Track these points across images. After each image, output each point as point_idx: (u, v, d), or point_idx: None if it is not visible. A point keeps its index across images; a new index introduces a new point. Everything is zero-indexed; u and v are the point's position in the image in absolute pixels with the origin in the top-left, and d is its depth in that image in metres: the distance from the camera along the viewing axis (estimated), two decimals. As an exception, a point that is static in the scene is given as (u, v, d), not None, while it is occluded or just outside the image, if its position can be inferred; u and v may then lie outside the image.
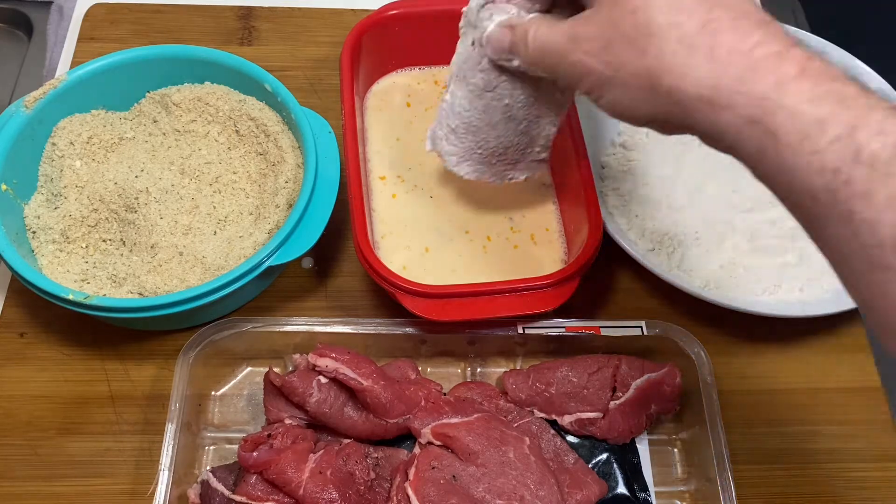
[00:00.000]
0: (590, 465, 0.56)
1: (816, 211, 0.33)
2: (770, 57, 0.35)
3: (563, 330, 0.58)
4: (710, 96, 0.36)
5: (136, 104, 0.66)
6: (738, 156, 0.37)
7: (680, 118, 0.38)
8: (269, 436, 0.51)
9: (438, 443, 0.53)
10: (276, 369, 0.56)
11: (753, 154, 0.35)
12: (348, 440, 0.54)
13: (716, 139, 0.37)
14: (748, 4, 0.37)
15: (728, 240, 0.64)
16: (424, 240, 0.62)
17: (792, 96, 0.33)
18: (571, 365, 0.58)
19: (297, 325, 0.57)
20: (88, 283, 0.57)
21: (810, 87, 0.33)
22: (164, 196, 0.62)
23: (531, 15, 0.47)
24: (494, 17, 0.49)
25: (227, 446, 0.57)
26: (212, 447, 0.57)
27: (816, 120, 0.32)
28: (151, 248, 0.59)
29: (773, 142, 0.34)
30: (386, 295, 0.58)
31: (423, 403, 0.55)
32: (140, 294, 0.56)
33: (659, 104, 0.38)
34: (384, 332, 0.58)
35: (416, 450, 0.54)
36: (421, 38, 0.68)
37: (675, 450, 0.59)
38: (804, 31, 0.72)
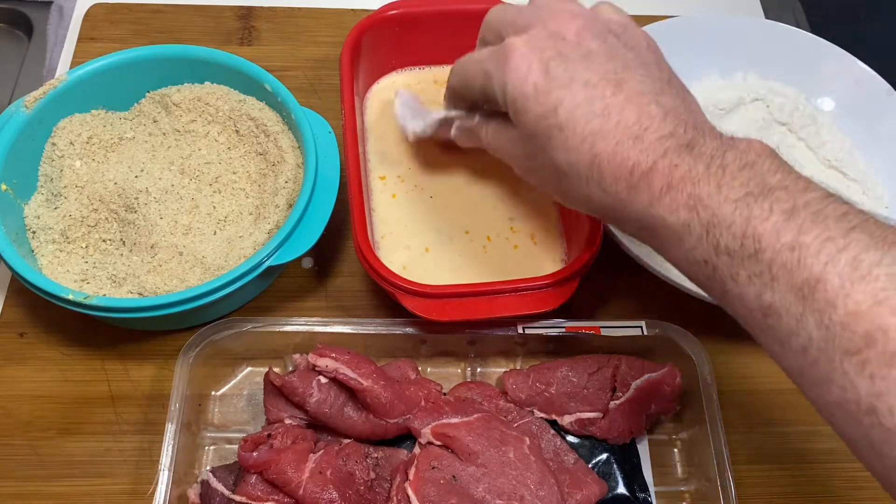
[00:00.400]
0: (590, 465, 0.56)
1: (706, 289, 0.41)
2: (644, 176, 0.40)
3: (563, 330, 0.58)
4: (610, 215, 0.44)
5: (136, 104, 0.66)
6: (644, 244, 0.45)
7: (603, 221, 0.47)
8: (269, 436, 0.51)
9: (438, 443, 0.53)
10: (276, 369, 0.56)
11: (653, 248, 0.43)
12: (348, 440, 0.54)
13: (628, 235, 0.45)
14: (632, 116, 0.42)
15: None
16: (424, 240, 0.62)
17: (661, 211, 0.40)
18: (571, 365, 0.58)
19: (297, 325, 0.57)
20: (88, 283, 0.57)
21: (671, 199, 0.39)
22: (164, 196, 0.62)
23: (476, 117, 0.53)
24: (455, 123, 0.55)
25: (227, 446, 0.57)
26: (212, 447, 0.57)
27: (682, 226, 0.39)
28: (151, 248, 0.59)
29: (659, 244, 0.42)
30: (386, 295, 0.58)
31: (423, 403, 0.55)
32: (140, 294, 0.56)
33: (586, 211, 0.47)
34: (384, 332, 0.58)
35: (416, 450, 0.54)
36: (421, 38, 0.68)
37: (675, 450, 0.59)
38: (804, 31, 0.72)
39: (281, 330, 0.57)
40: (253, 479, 0.51)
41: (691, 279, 0.41)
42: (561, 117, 0.42)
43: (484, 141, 0.52)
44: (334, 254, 0.66)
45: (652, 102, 0.42)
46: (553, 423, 0.57)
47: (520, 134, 0.46)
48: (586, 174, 0.42)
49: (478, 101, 0.52)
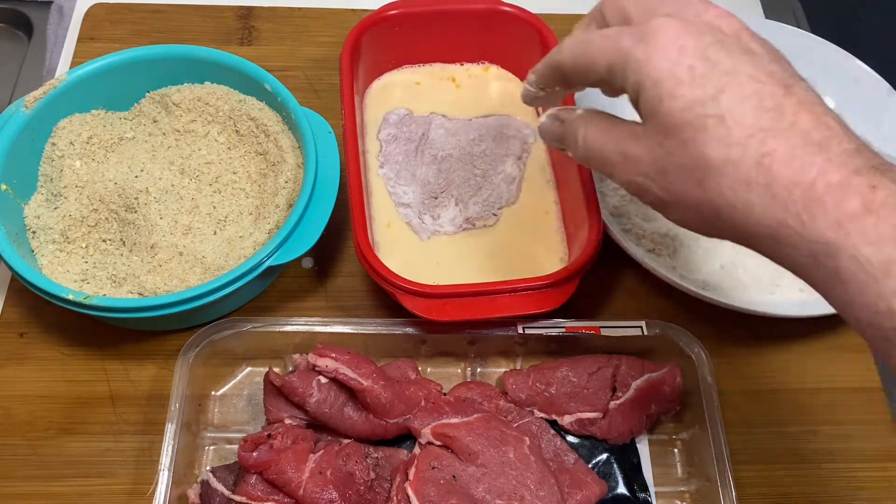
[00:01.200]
0: (590, 465, 0.56)
1: (888, 350, 0.33)
2: (831, 190, 0.34)
3: (563, 330, 0.58)
4: (772, 234, 0.36)
5: (136, 104, 0.66)
6: (805, 281, 0.36)
7: (744, 243, 0.38)
8: (269, 436, 0.51)
9: (438, 443, 0.53)
10: (276, 369, 0.56)
11: (819, 286, 0.35)
12: (348, 440, 0.54)
13: (782, 265, 0.37)
14: (808, 122, 0.35)
15: (728, 240, 0.63)
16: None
17: (854, 238, 0.33)
18: (571, 365, 0.58)
19: (297, 325, 0.57)
20: (88, 283, 0.57)
21: (872, 225, 0.32)
22: (164, 196, 0.62)
23: (578, 111, 0.44)
24: (549, 111, 0.47)
25: (227, 446, 0.57)
26: (212, 447, 0.57)
27: (882, 263, 0.32)
28: (151, 248, 0.59)
29: (837, 281, 0.34)
30: (386, 295, 0.58)
31: (423, 403, 0.55)
32: (140, 294, 0.56)
33: (722, 231, 0.39)
34: (384, 332, 0.58)
35: (416, 450, 0.54)
36: (421, 37, 0.68)
37: (675, 450, 0.59)
38: (804, 31, 0.72)
39: (281, 330, 0.57)
40: (253, 479, 0.51)
41: (865, 332, 0.34)
42: (723, 106, 0.36)
43: (579, 142, 0.43)
44: (334, 254, 0.66)
45: (827, 114, 0.36)
46: (553, 423, 0.57)
47: (652, 127, 0.38)
48: (749, 175, 0.35)
49: (590, 85, 0.44)
